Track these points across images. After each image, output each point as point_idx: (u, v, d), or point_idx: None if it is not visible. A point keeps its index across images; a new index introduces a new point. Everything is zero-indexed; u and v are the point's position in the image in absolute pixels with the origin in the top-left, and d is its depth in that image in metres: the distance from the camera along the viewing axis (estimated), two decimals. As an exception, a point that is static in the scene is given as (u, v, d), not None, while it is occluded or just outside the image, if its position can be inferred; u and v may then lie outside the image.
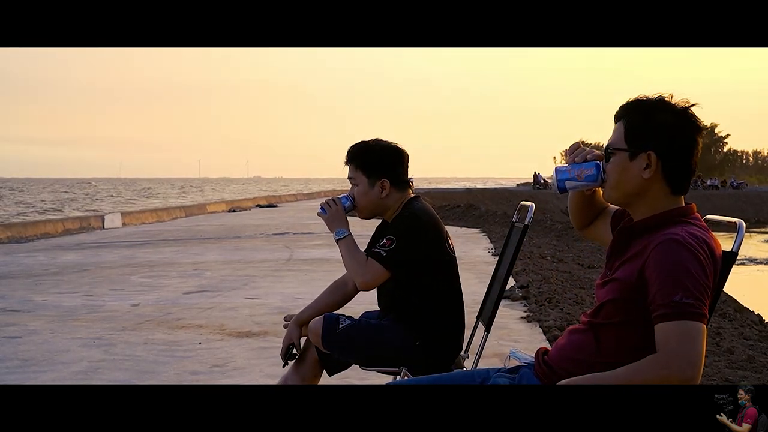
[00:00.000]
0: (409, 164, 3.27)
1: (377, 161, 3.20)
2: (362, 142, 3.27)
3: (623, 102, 2.21)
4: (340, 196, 3.30)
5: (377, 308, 3.37)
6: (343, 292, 3.33)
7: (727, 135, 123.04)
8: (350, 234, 3.20)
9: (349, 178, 3.27)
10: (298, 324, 3.27)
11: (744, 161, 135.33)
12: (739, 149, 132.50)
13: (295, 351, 3.26)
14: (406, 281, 3.11)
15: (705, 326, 1.98)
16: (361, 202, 3.24)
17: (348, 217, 3.29)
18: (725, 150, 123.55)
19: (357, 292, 3.31)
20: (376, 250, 3.09)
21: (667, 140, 2.12)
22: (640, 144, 2.13)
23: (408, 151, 3.28)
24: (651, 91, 2.19)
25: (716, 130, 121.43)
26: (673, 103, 2.15)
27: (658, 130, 2.12)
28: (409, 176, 3.29)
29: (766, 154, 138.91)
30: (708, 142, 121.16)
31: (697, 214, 2.18)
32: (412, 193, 3.27)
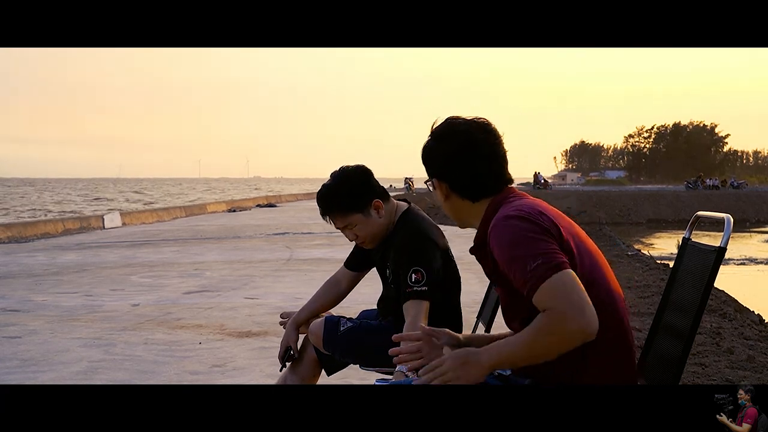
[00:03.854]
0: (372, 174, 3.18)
1: (355, 192, 3.09)
2: (322, 189, 3.12)
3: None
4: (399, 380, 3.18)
5: (375, 307, 3.37)
6: (336, 291, 3.35)
7: (727, 135, 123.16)
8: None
9: (340, 228, 3.14)
10: (296, 325, 3.28)
11: (744, 161, 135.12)
12: (739, 149, 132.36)
13: (292, 352, 3.27)
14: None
15: (566, 270, 1.96)
16: (369, 233, 3.12)
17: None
18: (725, 150, 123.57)
19: (350, 290, 3.35)
20: (417, 289, 2.98)
21: (439, 166, 2.28)
22: (429, 176, 2.32)
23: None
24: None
25: (716, 130, 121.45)
26: (439, 130, 2.28)
27: (431, 160, 2.30)
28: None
29: (766, 154, 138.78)
30: (708, 142, 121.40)
31: (508, 195, 2.23)
32: (396, 199, 3.24)
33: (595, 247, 2.22)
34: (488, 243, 2.13)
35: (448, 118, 2.30)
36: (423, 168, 2.34)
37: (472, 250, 2.28)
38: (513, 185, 2.30)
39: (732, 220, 2.19)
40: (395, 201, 3.21)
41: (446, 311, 3.10)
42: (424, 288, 2.98)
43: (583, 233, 2.21)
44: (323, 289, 3.37)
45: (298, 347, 3.29)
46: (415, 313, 2.95)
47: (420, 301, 2.97)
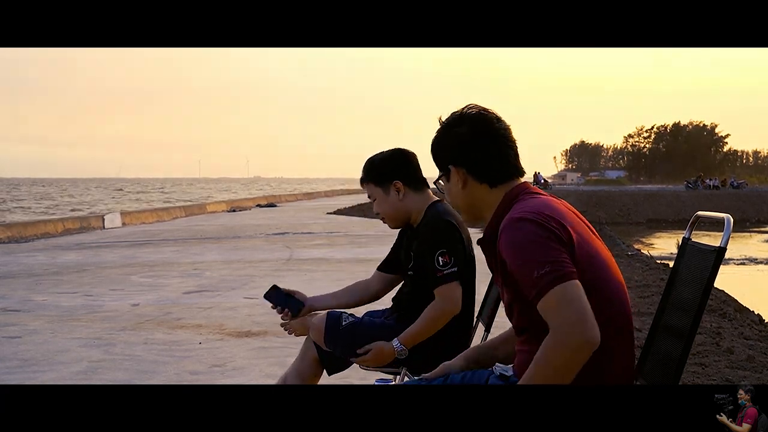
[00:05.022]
0: (419, 163, 3.26)
1: (382, 168, 3.21)
2: (369, 158, 3.29)
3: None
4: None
5: (379, 308, 3.38)
6: (361, 291, 3.38)
7: (727, 135, 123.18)
8: (401, 344, 3.07)
9: (368, 197, 3.29)
10: (309, 306, 3.30)
11: (744, 161, 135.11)
12: (739, 149, 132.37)
13: (286, 310, 3.25)
14: (424, 285, 3.09)
15: (572, 280, 1.97)
16: (385, 211, 3.23)
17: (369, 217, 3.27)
18: (725, 150, 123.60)
19: (383, 293, 3.37)
20: (447, 272, 3.00)
21: (455, 150, 2.26)
22: (443, 165, 2.29)
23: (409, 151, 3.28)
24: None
25: (716, 130, 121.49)
26: (451, 117, 2.28)
27: (445, 148, 2.28)
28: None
29: (766, 154, 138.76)
30: (708, 142, 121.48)
31: (527, 189, 2.23)
32: (432, 194, 3.25)
33: (602, 243, 2.22)
34: (498, 240, 2.13)
35: (458, 111, 2.29)
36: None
37: (480, 242, 2.28)
38: (524, 180, 2.30)
39: (732, 220, 2.19)
40: (430, 194, 3.24)
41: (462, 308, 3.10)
42: (453, 269, 3.00)
43: (588, 231, 2.20)
44: (348, 287, 3.41)
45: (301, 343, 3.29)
46: (446, 297, 2.99)
47: (453, 284, 3.00)
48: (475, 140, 2.23)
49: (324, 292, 3.47)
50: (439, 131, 2.30)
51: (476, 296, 3.19)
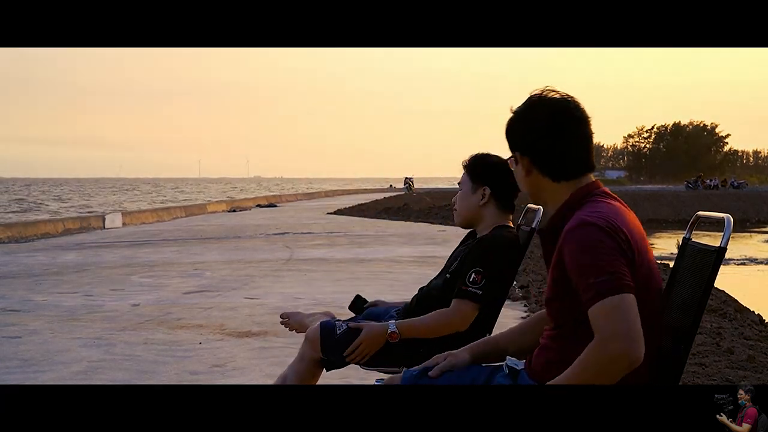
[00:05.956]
0: (517, 191, 3.11)
1: (483, 168, 3.18)
2: (484, 153, 3.26)
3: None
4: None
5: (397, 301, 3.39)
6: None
7: (728, 135, 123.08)
8: (395, 326, 3.05)
9: (458, 183, 3.28)
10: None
11: (744, 161, 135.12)
12: (739, 149, 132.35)
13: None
14: (447, 299, 3.08)
15: (629, 294, 1.97)
16: (460, 205, 3.23)
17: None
18: (725, 150, 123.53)
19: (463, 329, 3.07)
20: (472, 290, 3.00)
21: (524, 138, 2.24)
22: (511, 147, 2.28)
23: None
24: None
25: (716, 130, 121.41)
26: (526, 104, 2.25)
27: (516, 132, 2.26)
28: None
29: (766, 154, 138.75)
30: (708, 142, 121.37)
31: (598, 188, 2.21)
32: (511, 222, 3.22)
33: (655, 264, 2.21)
34: (562, 237, 2.12)
35: (538, 92, 2.24)
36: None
37: (540, 232, 2.28)
38: (593, 173, 2.27)
39: (732, 220, 2.19)
40: (508, 218, 3.20)
41: (479, 323, 3.09)
42: (478, 292, 3.00)
43: (648, 249, 2.18)
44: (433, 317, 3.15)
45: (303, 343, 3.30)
46: (459, 311, 3.00)
47: (471, 304, 3.00)
48: (546, 132, 2.20)
49: (324, 292, 3.47)
50: (515, 114, 2.26)
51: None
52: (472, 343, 2.50)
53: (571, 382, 2.00)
